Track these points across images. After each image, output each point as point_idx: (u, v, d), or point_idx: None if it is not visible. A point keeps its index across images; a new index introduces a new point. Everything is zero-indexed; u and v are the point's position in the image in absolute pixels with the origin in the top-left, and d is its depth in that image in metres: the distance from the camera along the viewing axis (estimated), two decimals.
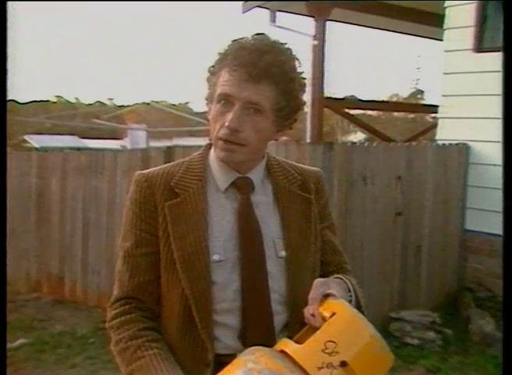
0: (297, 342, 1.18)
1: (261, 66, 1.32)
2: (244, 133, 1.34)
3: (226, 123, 1.33)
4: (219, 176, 1.44)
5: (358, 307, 1.34)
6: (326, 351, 1.12)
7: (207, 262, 1.36)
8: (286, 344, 1.17)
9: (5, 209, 1.44)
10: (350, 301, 1.31)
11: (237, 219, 1.41)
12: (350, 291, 1.36)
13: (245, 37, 1.38)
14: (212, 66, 1.40)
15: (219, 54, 1.38)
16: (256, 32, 1.41)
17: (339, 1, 7.63)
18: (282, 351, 1.16)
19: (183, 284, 1.35)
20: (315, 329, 1.18)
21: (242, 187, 1.43)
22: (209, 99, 1.41)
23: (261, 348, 1.18)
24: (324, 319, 1.18)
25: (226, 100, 1.34)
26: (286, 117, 1.42)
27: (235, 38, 1.39)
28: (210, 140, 1.47)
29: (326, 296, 1.23)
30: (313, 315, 1.20)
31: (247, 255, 1.38)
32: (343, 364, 1.11)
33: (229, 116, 1.33)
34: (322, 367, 1.10)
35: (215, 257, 1.37)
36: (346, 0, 7.59)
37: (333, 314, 1.17)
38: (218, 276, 1.37)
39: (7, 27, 1.33)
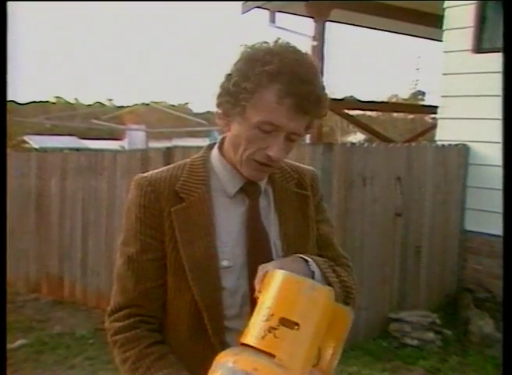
0: None
1: (313, 100, 1.28)
2: (281, 158, 1.35)
3: (271, 153, 1.30)
4: (227, 181, 1.42)
5: (327, 281, 1.32)
6: (264, 319, 1.13)
7: (216, 268, 1.35)
8: (242, 336, 1.18)
9: (5, 209, 1.43)
10: (312, 276, 1.29)
11: (245, 223, 1.40)
12: (307, 261, 1.32)
13: (282, 49, 1.30)
14: (251, 77, 1.27)
15: (259, 69, 1.26)
16: (276, 38, 1.34)
17: (338, 2, 7.62)
18: (242, 344, 1.16)
19: (193, 291, 1.34)
20: None
21: (251, 192, 1.42)
22: (237, 113, 1.31)
23: (224, 353, 1.19)
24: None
25: (270, 127, 1.29)
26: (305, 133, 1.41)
27: (267, 47, 1.30)
28: (214, 142, 1.46)
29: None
30: (257, 297, 1.20)
31: (256, 260, 1.35)
32: (282, 321, 1.12)
33: (273, 145, 1.30)
34: (266, 335, 1.11)
35: (224, 263, 1.35)
36: (345, 0, 7.59)
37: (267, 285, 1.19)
38: (228, 281, 1.35)
39: (7, 27, 1.32)
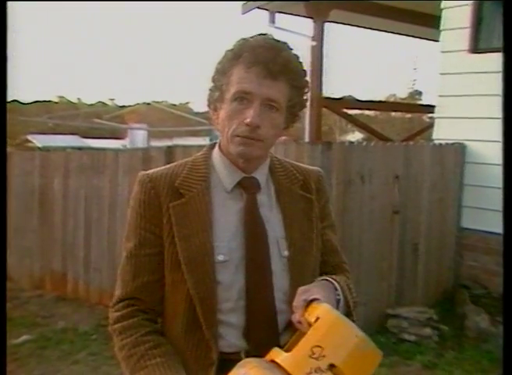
0: (288, 350, 1.18)
1: (279, 63, 1.31)
2: (263, 129, 1.34)
3: (248, 120, 1.31)
4: (225, 176, 1.43)
5: (348, 306, 1.34)
6: (313, 356, 1.12)
7: (212, 262, 1.35)
8: (276, 354, 1.17)
9: (5, 210, 1.43)
10: (338, 301, 1.31)
11: (243, 218, 1.40)
12: (336, 290, 1.35)
13: (251, 37, 1.37)
14: (221, 66, 1.37)
15: (229, 53, 1.36)
16: (257, 32, 1.40)
17: (337, 3, 7.62)
18: (273, 361, 1.16)
19: (188, 285, 1.34)
20: (304, 335, 1.18)
21: (248, 186, 1.43)
22: (218, 99, 1.38)
23: (252, 359, 1.19)
24: (309, 325, 1.18)
25: (244, 97, 1.33)
26: (295, 114, 1.43)
27: (241, 38, 1.37)
28: (215, 141, 1.46)
29: (311, 301, 1.23)
30: (299, 322, 1.20)
31: (252, 255, 1.37)
32: (331, 367, 1.11)
33: (249, 112, 1.31)
34: (311, 372, 1.11)
35: (220, 257, 1.36)
36: (344, 1, 7.58)
37: (317, 319, 1.17)
38: (223, 276, 1.36)
39: (7, 27, 1.32)
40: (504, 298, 1.24)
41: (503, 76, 1.37)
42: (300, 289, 1.27)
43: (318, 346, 1.12)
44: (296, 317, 1.21)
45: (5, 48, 1.29)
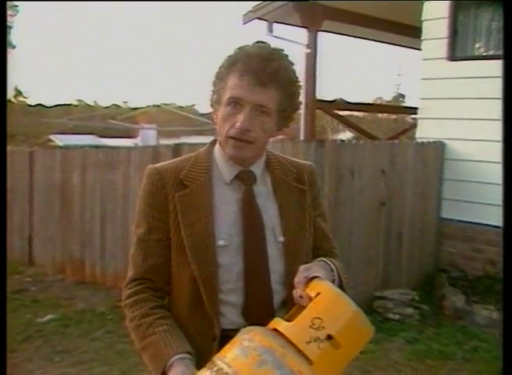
0: (288, 321, 1.17)
1: (268, 72, 1.31)
2: (253, 132, 1.34)
3: (238, 124, 1.32)
4: (224, 169, 1.43)
5: (340, 285, 1.35)
6: (313, 326, 1.12)
7: (213, 247, 1.36)
8: (278, 323, 1.17)
9: (5, 209, 1.42)
10: (333, 281, 1.31)
11: (241, 207, 1.40)
12: (333, 271, 1.36)
13: (249, 45, 1.37)
14: (219, 72, 1.38)
15: (226, 61, 1.37)
16: (257, 40, 1.40)
17: (329, 14, 7.60)
18: (275, 330, 1.15)
19: (192, 267, 1.35)
20: (303, 308, 1.18)
21: (245, 179, 1.43)
22: (216, 102, 1.40)
23: (254, 327, 1.18)
24: (310, 299, 1.18)
25: (236, 103, 1.33)
26: (287, 117, 1.43)
27: (240, 46, 1.38)
28: (217, 138, 1.47)
29: (312, 279, 1.23)
30: (301, 296, 1.20)
31: (250, 240, 1.38)
32: (329, 337, 1.11)
33: (240, 117, 1.32)
34: (310, 341, 1.10)
35: (221, 242, 1.36)
36: (335, 12, 7.57)
37: (318, 294, 1.17)
38: (224, 259, 1.36)
39: (7, 27, 1.31)
40: (504, 298, 1.23)
41: (503, 81, 1.35)
42: (302, 267, 1.28)
43: (318, 318, 1.12)
44: (297, 292, 1.21)
45: (5, 47, 1.28)
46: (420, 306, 4.86)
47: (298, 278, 1.24)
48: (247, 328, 1.19)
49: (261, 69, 1.31)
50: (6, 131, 1.38)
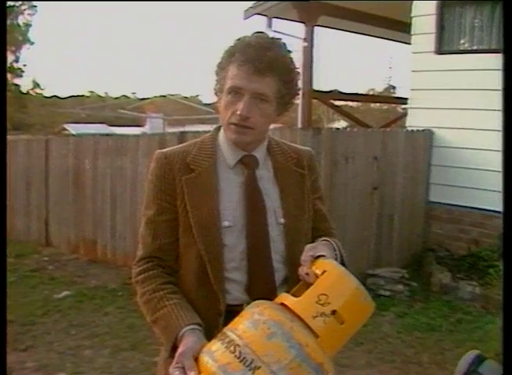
0: (294, 296, 1.17)
1: (265, 61, 1.30)
2: (253, 119, 1.33)
3: (238, 111, 1.31)
4: (228, 154, 1.42)
5: (342, 262, 1.34)
6: (319, 302, 1.11)
7: (218, 227, 1.35)
8: (285, 298, 1.16)
9: (5, 209, 1.40)
10: (335, 259, 1.30)
11: (244, 191, 1.39)
12: (335, 250, 1.35)
13: (248, 36, 1.36)
14: (220, 62, 1.37)
15: (226, 51, 1.36)
16: (255, 31, 1.38)
17: (325, 10, 7.55)
18: (282, 304, 1.15)
19: (198, 246, 1.34)
20: (308, 285, 1.17)
21: (248, 163, 1.41)
22: (219, 91, 1.38)
23: (264, 301, 1.17)
24: (316, 276, 1.17)
25: (236, 91, 1.32)
26: (286, 103, 1.41)
27: (239, 37, 1.36)
28: (220, 125, 1.46)
29: (317, 257, 1.22)
30: (307, 273, 1.19)
31: (253, 222, 1.37)
32: (334, 312, 1.11)
33: (240, 105, 1.31)
34: (316, 316, 1.10)
35: (226, 223, 1.35)
36: (331, 8, 7.51)
37: (324, 271, 1.16)
38: (228, 239, 1.35)
39: (6, 27, 1.29)
40: (504, 298, 1.22)
41: (503, 76, 1.33)
42: (308, 246, 1.27)
43: (324, 294, 1.12)
44: (304, 269, 1.20)
45: (4, 47, 1.26)
46: (409, 283, 4.89)
47: (304, 256, 1.23)
48: (257, 302, 1.18)
49: (259, 58, 1.29)
50: (6, 128, 1.36)
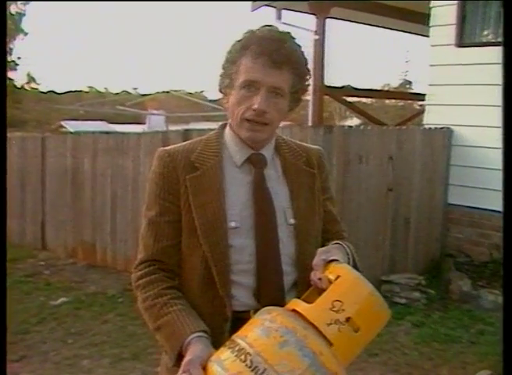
0: (305, 302, 1.17)
1: (283, 53, 1.30)
2: (269, 114, 1.33)
3: (255, 106, 1.31)
4: (235, 152, 1.42)
5: (355, 267, 1.34)
6: (334, 309, 1.11)
7: (224, 228, 1.35)
8: (297, 304, 1.16)
9: (5, 208, 1.41)
10: (348, 263, 1.30)
11: (252, 190, 1.39)
12: (348, 254, 1.35)
13: (258, 29, 1.36)
14: (230, 56, 1.36)
15: (237, 44, 1.35)
16: (264, 24, 1.38)
17: (337, 1, 7.54)
18: (294, 311, 1.15)
19: (203, 248, 1.34)
20: (320, 290, 1.17)
21: (256, 162, 1.42)
22: (228, 86, 1.38)
23: (275, 308, 1.17)
24: (330, 282, 1.17)
25: (251, 85, 1.32)
26: (298, 98, 1.42)
27: (250, 29, 1.36)
28: (226, 122, 1.46)
29: (330, 262, 1.22)
30: (320, 278, 1.19)
31: (261, 223, 1.37)
32: (348, 320, 1.11)
33: (256, 99, 1.31)
34: (331, 323, 1.10)
35: (232, 224, 1.35)
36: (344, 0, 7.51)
37: (338, 277, 1.16)
38: (235, 240, 1.35)
39: (6, 27, 1.30)
40: (504, 297, 1.22)
41: (502, 72, 1.33)
42: (320, 250, 1.27)
43: (339, 301, 1.12)
44: (316, 274, 1.20)
45: (4, 47, 1.28)
46: (426, 290, 4.87)
47: (317, 261, 1.23)
48: (267, 308, 1.18)
49: (276, 50, 1.30)
50: (6, 127, 1.37)
